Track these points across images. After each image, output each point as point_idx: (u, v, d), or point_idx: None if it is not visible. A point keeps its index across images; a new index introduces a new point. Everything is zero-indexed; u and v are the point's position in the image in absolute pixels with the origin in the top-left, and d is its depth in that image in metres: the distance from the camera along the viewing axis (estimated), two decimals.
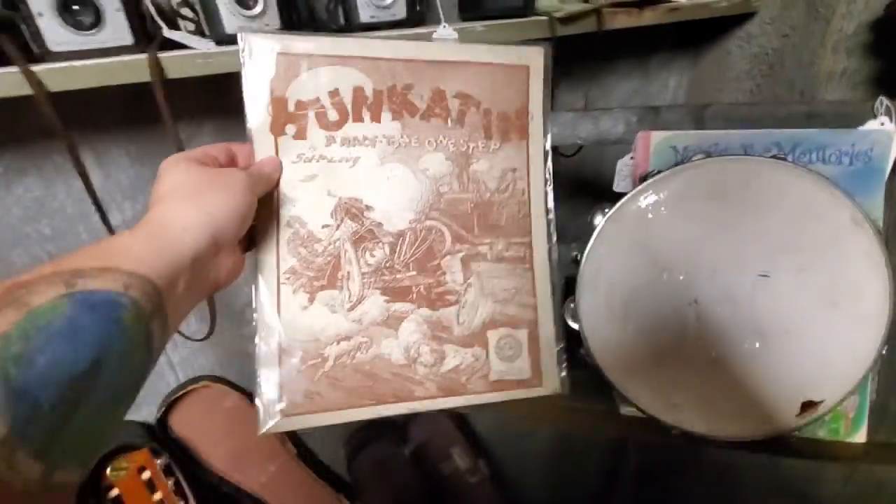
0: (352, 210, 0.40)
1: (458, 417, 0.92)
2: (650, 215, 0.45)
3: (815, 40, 0.61)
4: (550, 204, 0.47)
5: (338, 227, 0.39)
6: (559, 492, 1.10)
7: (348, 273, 0.40)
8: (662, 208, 0.45)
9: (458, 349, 0.43)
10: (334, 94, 0.38)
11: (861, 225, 0.42)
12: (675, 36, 0.70)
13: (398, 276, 0.41)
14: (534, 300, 0.45)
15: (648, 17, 0.58)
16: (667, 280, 0.46)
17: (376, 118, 0.39)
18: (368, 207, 0.40)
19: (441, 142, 0.41)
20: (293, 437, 0.78)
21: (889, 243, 0.42)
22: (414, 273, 0.41)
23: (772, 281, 0.44)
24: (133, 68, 0.41)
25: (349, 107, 0.39)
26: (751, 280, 0.44)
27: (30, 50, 0.40)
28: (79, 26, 0.40)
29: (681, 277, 0.46)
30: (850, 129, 0.46)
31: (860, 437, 0.48)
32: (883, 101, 0.44)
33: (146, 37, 0.44)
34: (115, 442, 0.65)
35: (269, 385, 0.38)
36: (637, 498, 1.03)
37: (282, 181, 0.38)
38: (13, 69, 0.37)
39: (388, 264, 0.41)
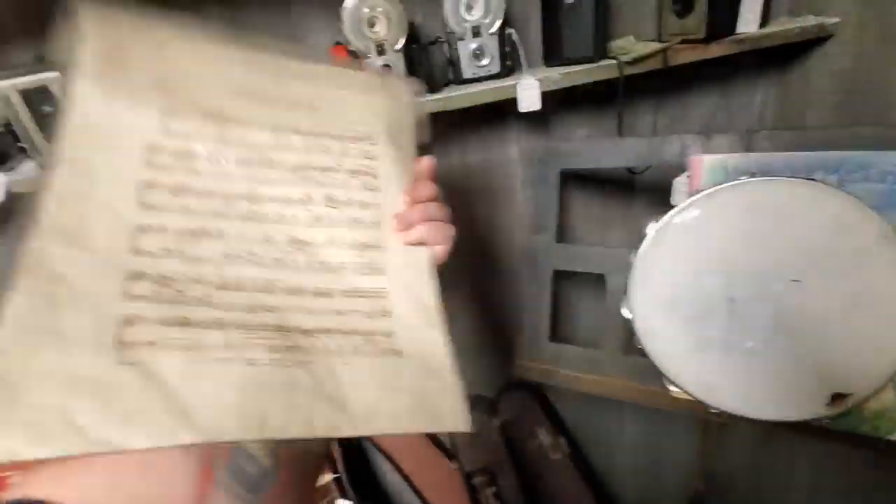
0: None
1: (542, 398, 1.05)
2: (695, 225, 0.55)
3: (888, 61, 0.63)
4: None
5: None
6: (639, 480, 1.16)
7: None
8: (706, 219, 0.54)
9: None
10: None
11: (889, 239, 0.47)
12: (758, 55, 0.74)
13: None
14: None
15: (715, 50, 0.65)
16: (708, 280, 0.55)
17: None
18: None
19: None
20: None
21: None
22: None
23: (803, 285, 0.51)
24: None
25: None
26: (784, 283, 0.51)
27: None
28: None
29: (721, 279, 0.54)
30: (894, 150, 0.50)
31: None
32: None
33: None
34: None
35: None
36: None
37: None
38: None
39: None
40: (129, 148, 0.33)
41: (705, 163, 0.59)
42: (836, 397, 0.50)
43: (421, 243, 0.39)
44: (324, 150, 0.39)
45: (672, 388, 0.60)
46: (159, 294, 0.30)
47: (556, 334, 0.73)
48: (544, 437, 1.04)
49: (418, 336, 0.36)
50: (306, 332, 0.33)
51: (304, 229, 0.36)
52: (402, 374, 0.34)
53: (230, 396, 0.28)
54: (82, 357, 0.27)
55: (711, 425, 1.02)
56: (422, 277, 0.38)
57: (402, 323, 0.36)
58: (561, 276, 0.73)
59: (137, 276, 0.30)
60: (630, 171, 0.80)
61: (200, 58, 0.38)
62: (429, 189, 0.40)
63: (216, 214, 0.34)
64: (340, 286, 0.36)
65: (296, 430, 0.29)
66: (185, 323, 0.30)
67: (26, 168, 0.71)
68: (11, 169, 0.72)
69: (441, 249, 0.40)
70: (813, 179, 0.50)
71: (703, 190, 0.55)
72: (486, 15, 0.64)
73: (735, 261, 0.53)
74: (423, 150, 0.43)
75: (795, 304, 0.51)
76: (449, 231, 0.40)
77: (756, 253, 0.52)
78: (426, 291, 0.38)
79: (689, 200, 0.55)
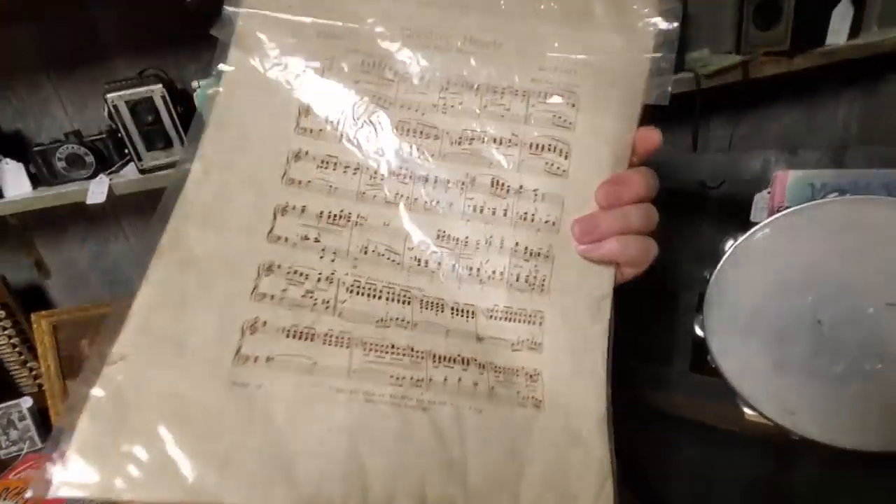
0: None
1: None
2: (780, 243, 0.53)
3: None
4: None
5: None
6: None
7: None
8: (792, 238, 0.53)
9: None
10: None
11: None
12: (844, 67, 0.71)
13: None
14: None
15: (799, 63, 0.63)
16: (792, 299, 0.53)
17: None
18: None
19: None
20: None
21: None
22: None
23: None
24: None
25: None
26: (876, 307, 0.49)
27: None
28: None
29: (807, 299, 0.52)
30: None
31: None
32: None
33: None
34: None
35: None
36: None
37: None
38: None
39: None
40: (284, 108, 0.29)
41: (790, 179, 0.57)
42: None
43: (610, 262, 0.29)
44: (500, 114, 0.29)
45: (747, 410, 0.58)
46: (287, 294, 0.27)
47: (619, 350, 0.72)
48: None
49: (568, 386, 0.28)
50: (437, 361, 0.27)
51: (457, 222, 0.29)
52: (537, 435, 0.27)
53: (338, 444, 0.24)
54: (198, 374, 0.25)
55: (776, 450, 0.97)
56: (593, 307, 0.29)
57: (552, 364, 0.28)
58: (626, 291, 0.71)
59: (270, 267, 0.27)
60: (705, 185, 0.78)
61: None
62: (640, 183, 0.28)
63: (360, 196, 0.29)
64: (486, 303, 0.28)
65: (401, 501, 0.24)
66: (308, 335, 0.26)
67: (128, 171, 0.78)
68: (114, 172, 0.79)
69: (630, 272, 0.30)
70: None
71: (788, 207, 0.53)
72: None
73: (824, 282, 0.51)
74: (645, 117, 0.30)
75: (890, 329, 0.49)
76: (650, 249, 0.29)
77: (848, 275, 0.50)
78: (594, 328, 0.29)
79: (773, 217, 0.54)
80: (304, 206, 0.28)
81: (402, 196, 0.29)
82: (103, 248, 1.02)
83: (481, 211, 0.29)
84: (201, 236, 0.27)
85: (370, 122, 0.29)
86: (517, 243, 0.29)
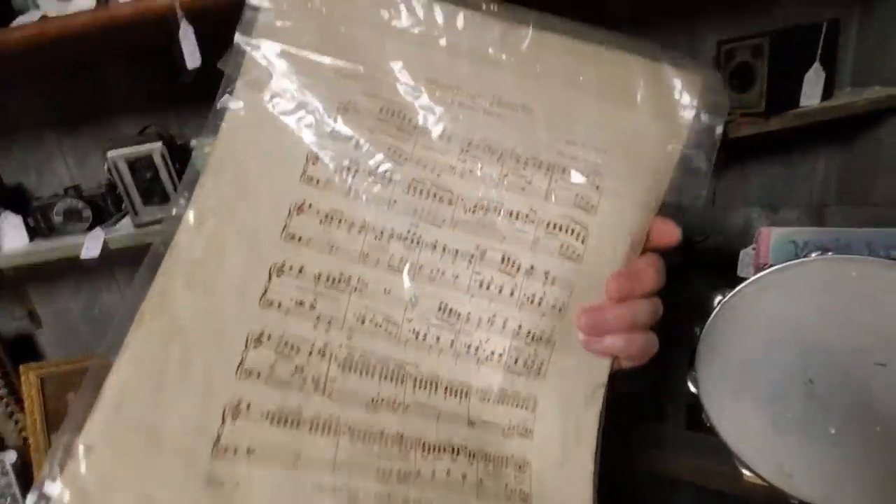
0: None
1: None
2: (765, 300, 0.53)
3: None
4: None
5: None
6: None
7: None
8: (776, 295, 0.53)
9: None
10: None
11: None
12: (822, 125, 0.74)
13: None
14: None
15: (775, 124, 0.66)
16: (781, 358, 0.52)
17: None
18: None
19: None
20: None
21: None
22: None
23: (889, 370, 0.48)
24: None
25: None
26: (867, 367, 0.49)
27: None
28: None
29: (796, 358, 0.52)
30: None
31: None
32: None
33: None
34: None
35: None
36: None
37: None
38: None
39: None
40: (291, 152, 0.27)
41: (773, 236, 0.58)
42: None
43: (609, 356, 0.28)
44: (521, 186, 0.27)
45: (745, 471, 0.57)
46: (275, 371, 0.25)
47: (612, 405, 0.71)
48: None
49: (557, 480, 0.27)
50: (426, 451, 0.26)
51: (461, 296, 0.27)
52: None
53: None
54: (172, 472, 0.23)
55: None
56: (588, 396, 0.28)
57: (542, 454, 0.27)
58: None
59: (259, 337, 0.25)
60: (689, 241, 0.80)
61: (383, 21, 0.27)
62: (652, 278, 0.28)
63: (363, 258, 0.27)
64: (481, 383, 0.27)
65: None
66: (294, 420, 0.25)
67: (123, 225, 0.79)
68: (110, 225, 0.80)
69: (629, 364, 0.29)
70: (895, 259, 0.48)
71: (773, 265, 0.54)
72: None
73: (811, 340, 0.51)
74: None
75: (882, 388, 0.48)
76: (652, 345, 0.28)
77: (834, 333, 0.50)
78: (586, 417, 0.28)
79: (759, 275, 0.54)
80: (303, 267, 0.26)
81: (406, 262, 0.27)
82: (95, 299, 1.01)
83: (488, 287, 0.27)
84: (189, 299, 0.25)
85: (382, 176, 0.27)
86: (520, 325, 0.27)
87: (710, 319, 0.57)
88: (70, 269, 0.96)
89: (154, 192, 0.72)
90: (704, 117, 0.28)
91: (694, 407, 0.59)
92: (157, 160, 0.71)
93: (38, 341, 1.07)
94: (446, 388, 0.27)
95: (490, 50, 0.28)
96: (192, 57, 0.52)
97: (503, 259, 0.27)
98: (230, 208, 0.26)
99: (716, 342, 0.56)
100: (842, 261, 0.51)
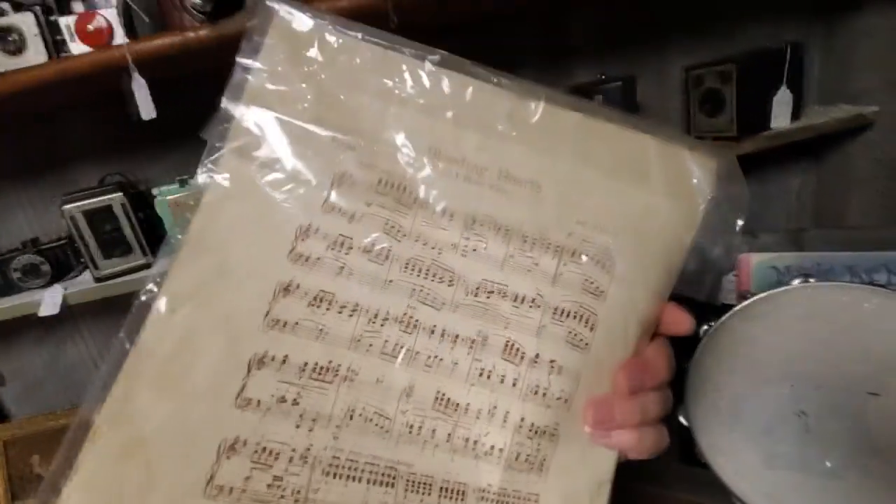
0: None
1: None
2: (750, 330, 0.52)
3: None
4: None
5: None
6: None
7: None
8: (761, 325, 0.52)
9: None
10: None
11: None
12: (793, 145, 0.74)
13: None
14: None
15: (748, 146, 0.66)
16: (772, 390, 0.51)
17: None
18: None
19: None
20: None
21: None
22: None
23: (883, 400, 0.47)
24: None
25: None
26: (860, 397, 0.47)
27: None
28: None
29: (786, 390, 0.50)
30: None
31: None
32: None
33: None
34: None
35: None
36: None
37: None
38: None
39: None
40: (279, 228, 0.24)
41: (754, 262, 0.57)
42: None
43: (617, 450, 0.27)
44: (527, 268, 0.26)
45: None
46: (249, 483, 0.22)
47: None
48: None
49: None
50: None
51: (460, 385, 0.25)
52: None
53: None
54: None
55: None
56: (592, 492, 0.26)
57: None
58: None
59: (234, 445, 0.23)
60: None
61: (385, 88, 0.25)
62: (664, 368, 0.27)
63: (354, 343, 0.24)
64: (479, 481, 0.25)
65: None
66: None
67: (85, 277, 0.75)
68: (69, 280, 0.76)
69: (635, 456, 0.27)
70: (880, 285, 0.47)
71: (755, 292, 0.53)
72: None
73: (801, 371, 0.50)
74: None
75: (877, 419, 0.47)
76: (663, 440, 0.27)
77: (823, 363, 0.49)
78: None
79: (743, 304, 0.53)
80: (286, 357, 0.24)
81: (401, 348, 0.25)
82: (59, 353, 0.97)
83: (489, 377, 0.25)
84: (155, 404, 0.22)
85: (378, 254, 0.25)
86: (523, 418, 0.25)
87: (696, 353, 0.55)
88: (31, 325, 0.91)
89: (115, 244, 0.69)
90: (724, 207, 0.27)
91: (686, 440, 0.57)
92: (118, 210, 0.68)
93: (2, 398, 1.02)
94: (441, 489, 0.25)
95: (498, 124, 0.26)
96: (145, 107, 0.50)
97: (506, 346, 0.26)
98: (208, 293, 0.23)
99: (704, 376, 0.54)
100: (825, 288, 0.50)
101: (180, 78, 0.69)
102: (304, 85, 0.24)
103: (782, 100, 0.65)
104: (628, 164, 0.27)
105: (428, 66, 0.25)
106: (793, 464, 0.50)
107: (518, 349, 0.26)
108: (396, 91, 0.25)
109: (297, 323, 0.24)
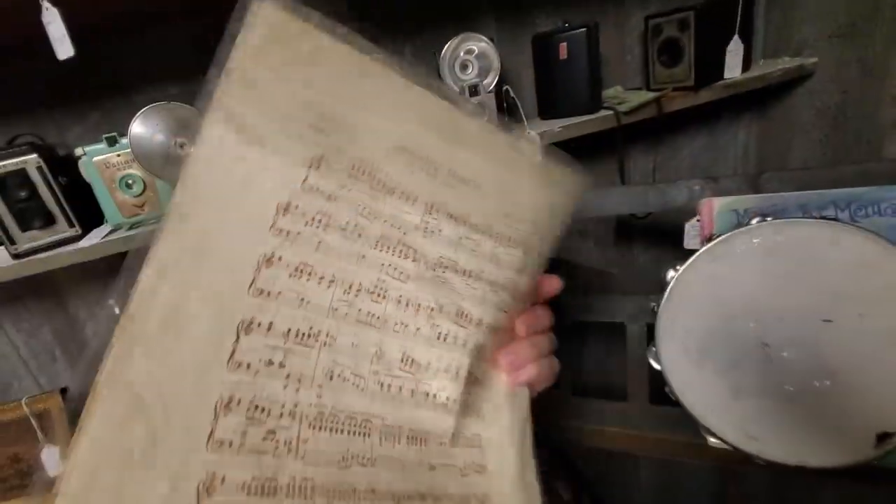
0: None
1: (562, 453, 1.00)
2: (715, 271, 0.54)
3: (873, 95, 0.66)
4: None
5: None
6: None
7: None
8: (726, 265, 0.54)
9: None
10: None
11: None
12: (740, 97, 0.78)
13: None
14: None
15: (704, 96, 0.67)
16: (737, 326, 0.53)
17: None
18: None
19: None
20: None
21: None
22: None
23: (835, 325, 0.50)
24: None
25: None
26: (815, 325, 0.51)
27: None
28: None
29: (750, 324, 0.53)
30: None
31: None
32: None
33: None
34: None
35: None
36: None
37: None
38: None
39: None
40: (262, 202, 0.26)
41: (716, 206, 0.59)
42: (883, 436, 0.49)
43: (528, 384, 0.34)
44: (473, 250, 0.31)
45: (711, 439, 0.57)
46: (247, 438, 0.24)
47: (579, 388, 0.70)
48: (564, 492, 0.99)
49: (513, 500, 0.30)
50: (396, 502, 0.27)
51: (421, 347, 0.29)
52: None
53: None
54: None
55: (732, 471, 0.99)
56: (521, 426, 0.32)
57: (496, 483, 0.30)
58: (575, 327, 0.70)
59: (229, 403, 0.24)
60: (634, 216, 0.80)
61: (364, 87, 0.28)
62: (548, 316, 0.35)
63: (331, 312, 0.27)
64: (438, 430, 0.29)
65: None
66: (271, 488, 0.24)
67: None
68: None
69: (538, 388, 0.35)
70: (831, 218, 0.50)
71: (718, 236, 0.55)
72: (481, 74, 0.64)
73: (763, 305, 0.52)
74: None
75: (830, 344, 0.50)
76: (555, 367, 0.35)
77: (782, 296, 0.52)
78: (524, 444, 0.32)
79: (707, 246, 0.55)
80: (272, 323, 0.26)
81: (373, 316, 0.28)
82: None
83: (445, 339, 0.30)
84: (150, 369, 0.23)
85: (352, 231, 0.28)
86: (470, 372, 0.30)
87: (664, 295, 0.57)
88: None
89: (34, 215, 0.60)
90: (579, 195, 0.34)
91: (657, 382, 0.59)
92: (34, 174, 0.59)
93: None
94: (408, 438, 0.29)
95: (450, 131, 0.30)
96: (61, 45, 0.43)
97: (458, 312, 0.30)
98: (194, 262, 0.25)
99: (673, 317, 0.56)
100: (781, 224, 0.53)
101: (102, 24, 0.60)
102: (287, 69, 0.26)
103: (734, 50, 0.67)
104: (541, 173, 0.33)
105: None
106: (758, 393, 0.53)
107: (468, 315, 0.31)
108: (373, 93, 0.28)
109: (280, 292, 0.26)
